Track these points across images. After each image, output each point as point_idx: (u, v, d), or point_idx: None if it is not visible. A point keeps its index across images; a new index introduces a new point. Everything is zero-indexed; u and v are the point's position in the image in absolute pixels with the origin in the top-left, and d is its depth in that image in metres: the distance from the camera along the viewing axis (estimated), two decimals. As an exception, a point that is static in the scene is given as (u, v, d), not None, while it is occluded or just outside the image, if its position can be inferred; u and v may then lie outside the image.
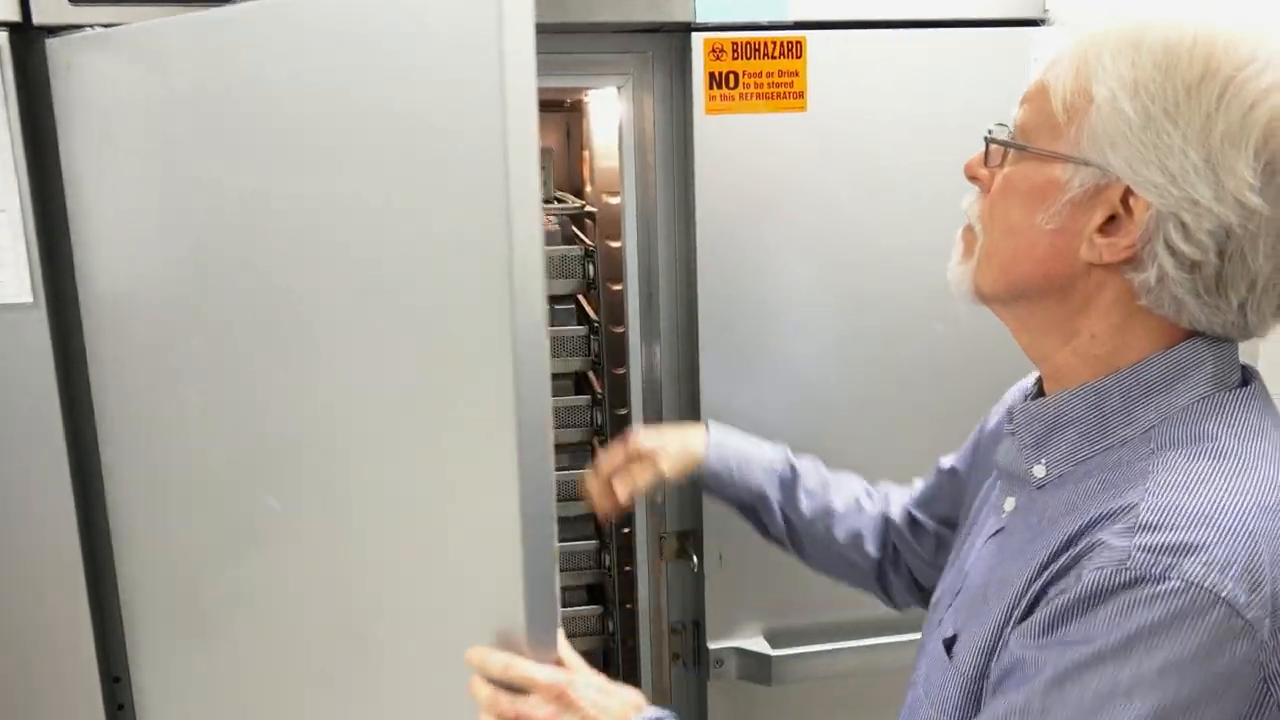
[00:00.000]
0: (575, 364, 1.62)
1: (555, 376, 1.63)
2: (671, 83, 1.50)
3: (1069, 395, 0.76)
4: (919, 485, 1.18)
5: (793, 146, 1.48)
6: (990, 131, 0.79)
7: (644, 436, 1.20)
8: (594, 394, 1.65)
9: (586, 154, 2.18)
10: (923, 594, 1.16)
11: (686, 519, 1.56)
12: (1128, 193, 0.69)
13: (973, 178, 0.81)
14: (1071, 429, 0.76)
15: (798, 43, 1.46)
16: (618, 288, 1.59)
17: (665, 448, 1.18)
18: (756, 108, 1.47)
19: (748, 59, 1.46)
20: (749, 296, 1.49)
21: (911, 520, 1.16)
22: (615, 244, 1.62)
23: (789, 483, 1.19)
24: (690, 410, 1.52)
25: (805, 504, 1.18)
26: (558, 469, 1.65)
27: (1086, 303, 0.74)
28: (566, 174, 2.36)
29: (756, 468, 1.19)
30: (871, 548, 1.17)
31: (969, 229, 0.82)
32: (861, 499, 1.20)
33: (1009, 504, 0.83)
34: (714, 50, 1.44)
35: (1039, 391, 0.83)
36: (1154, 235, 0.69)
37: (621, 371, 1.59)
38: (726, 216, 1.48)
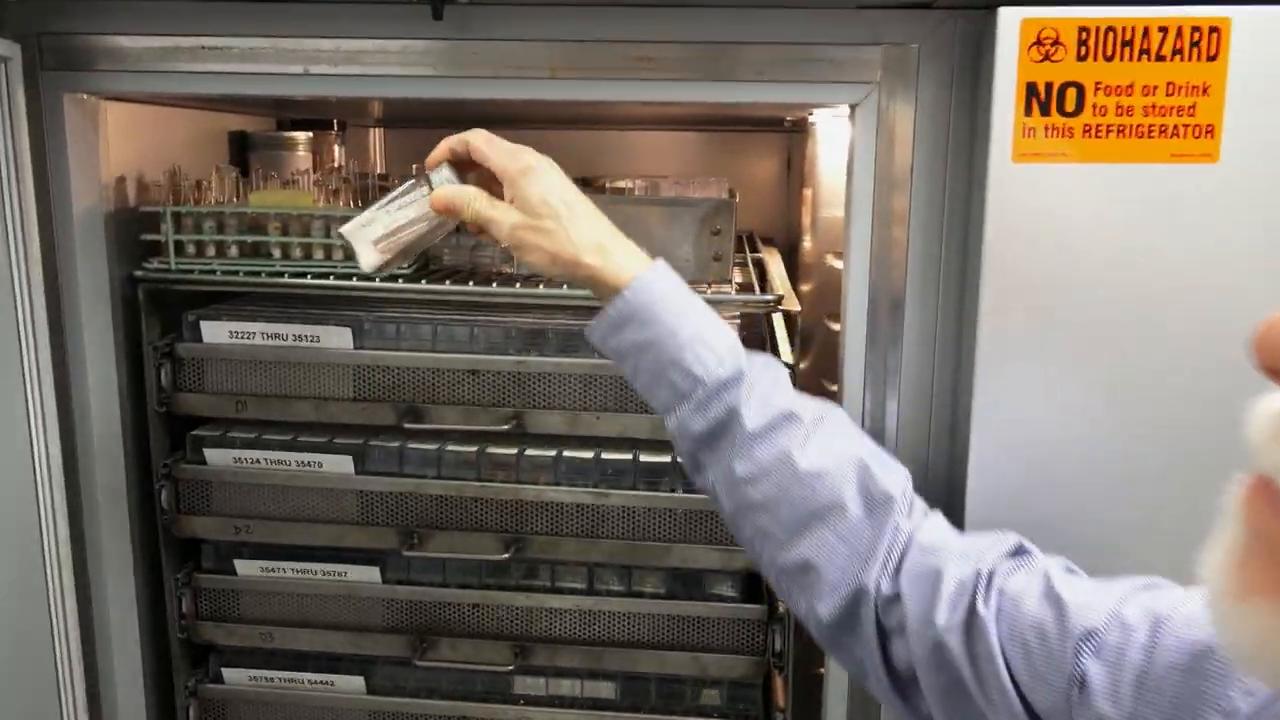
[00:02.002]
0: (741, 559, 0.99)
1: (714, 573, 1.03)
2: (952, 101, 0.85)
3: None
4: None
5: (1189, 233, 0.78)
6: None
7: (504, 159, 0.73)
8: (771, 600, 1.01)
9: (808, 194, 1.54)
10: None
11: None
12: None
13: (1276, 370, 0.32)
14: None
15: (1215, 29, 0.76)
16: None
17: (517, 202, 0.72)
18: (1115, 153, 0.79)
19: (1109, 59, 0.77)
20: (1052, 468, 0.83)
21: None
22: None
23: (725, 427, 0.69)
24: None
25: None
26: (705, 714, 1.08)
27: None
28: (783, 221, 1.72)
29: (666, 370, 0.70)
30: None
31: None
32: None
33: None
34: (1040, 41, 0.77)
35: None
36: None
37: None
38: (1031, 342, 0.82)
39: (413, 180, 0.78)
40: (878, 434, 0.91)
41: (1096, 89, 0.78)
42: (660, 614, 1.03)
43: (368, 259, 0.77)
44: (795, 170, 1.73)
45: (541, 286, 1.00)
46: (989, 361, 0.83)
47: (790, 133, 1.71)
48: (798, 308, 0.98)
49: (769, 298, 0.99)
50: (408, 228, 0.77)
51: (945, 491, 0.90)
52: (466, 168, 0.76)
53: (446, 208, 0.74)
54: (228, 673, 1.08)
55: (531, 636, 1.05)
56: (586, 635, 1.04)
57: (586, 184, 1.60)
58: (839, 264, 1.50)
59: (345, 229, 0.78)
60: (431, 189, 0.75)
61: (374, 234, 0.77)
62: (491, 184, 0.74)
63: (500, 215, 0.71)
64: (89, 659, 0.97)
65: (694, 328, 0.70)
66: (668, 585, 1.04)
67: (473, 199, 0.73)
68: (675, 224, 1.02)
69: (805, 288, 1.46)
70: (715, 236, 1.02)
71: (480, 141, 0.74)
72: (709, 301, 1.01)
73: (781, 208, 1.75)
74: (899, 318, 0.89)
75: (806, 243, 1.53)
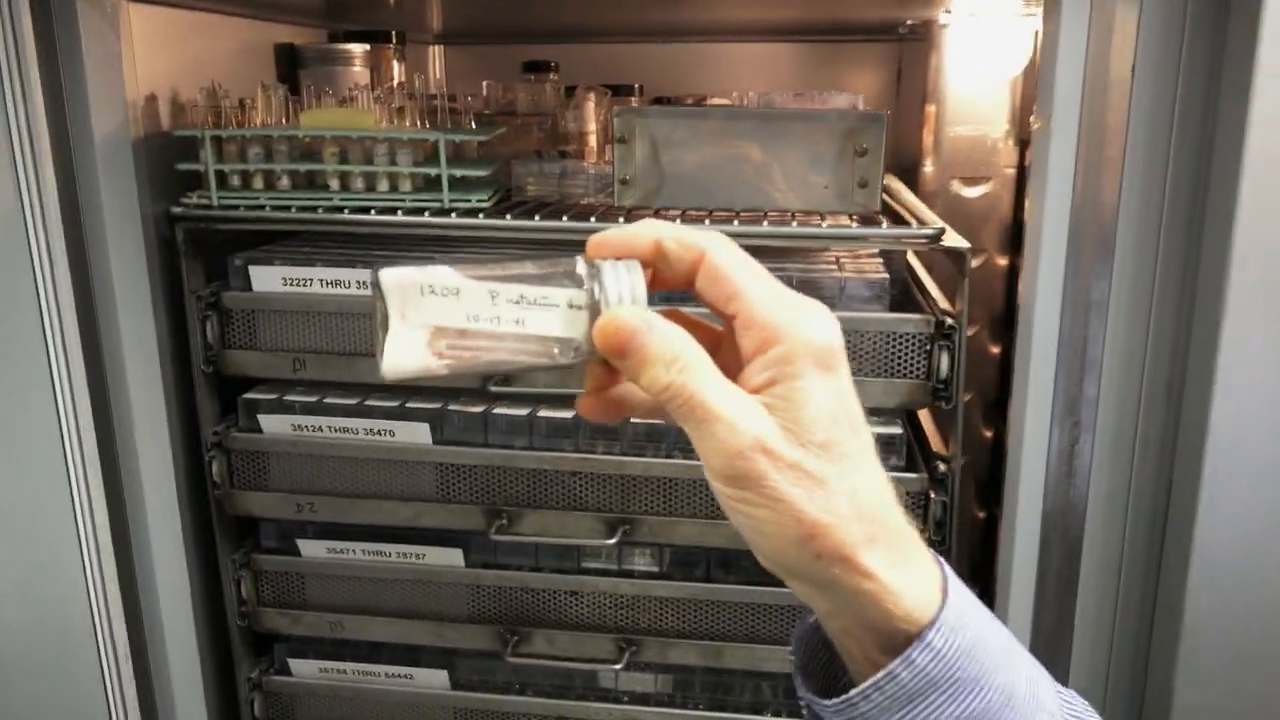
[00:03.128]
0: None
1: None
2: (1201, -26, 0.66)
3: None
4: None
5: None
6: None
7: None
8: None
9: (930, 111, 1.34)
10: None
11: None
12: None
13: None
14: None
15: None
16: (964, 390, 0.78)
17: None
18: None
19: None
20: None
21: None
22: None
23: None
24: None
25: None
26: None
27: None
28: (891, 142, 1.52)
29: None
30: None
31: None
32: None
33: None
34: (1346, -113, 0.58)
35: None
36: None
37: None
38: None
39: (559, 263, 0.38)
40: (1072, 404, 0.74)
41: None
42: (786, 605, 0.89)
43: (404, 357, 0.36)
44: (907, 84, 1.52)
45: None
46: (1238, 325, 0.65)
47: (903, 40, 1.50)
48: (966, 244, 0.80)
49: (929, 231, 0.81)
50: (509, 343, 0.37)
51: (1154, 471, 0.73)
52: (661, 284, 0.38)
53: (621, 350, 0.35)
54: (295, 664, 0.96)
55: (639, 629, 0.91)
56: (703, 629, 0.90)
57: (670, 103, 1.41)
58: (968, 192, 1.31)
59: (390, 278, 0.36)
60: (596, 302, 0.37)
61: (443, 315, 0.36)
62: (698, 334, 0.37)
63: (731, 412, 0.34)
64: (138, 651, 0.85)
65: (1024, 677, 0.36)
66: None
67: (681, 359, 0.35)
68: (812, 143, 0.85)
69: (928, 218, 1.27)
70: (861, 158, 0.84)
71: (725, 256, 0.37)
72: (852, 238, 0.86)
73: (891, 127, 1.55)
74: (1106, 264, 0.71)
75: (927, 167, 1.34)
